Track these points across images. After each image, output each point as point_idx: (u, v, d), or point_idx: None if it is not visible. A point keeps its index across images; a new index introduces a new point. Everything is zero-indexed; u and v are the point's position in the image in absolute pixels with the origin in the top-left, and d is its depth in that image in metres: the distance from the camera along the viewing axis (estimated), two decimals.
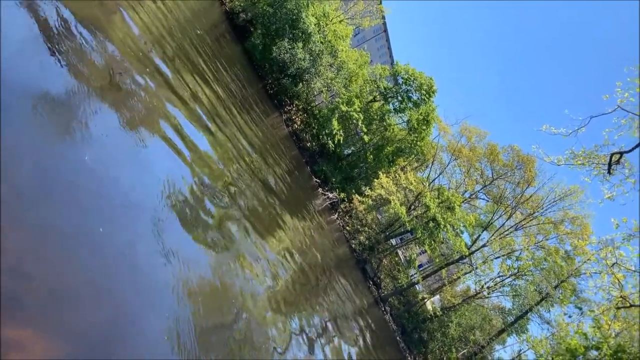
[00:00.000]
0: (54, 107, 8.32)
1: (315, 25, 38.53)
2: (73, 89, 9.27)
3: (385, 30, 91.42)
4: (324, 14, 41.53)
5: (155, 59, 16.03)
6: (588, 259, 34.73)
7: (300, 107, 47.04)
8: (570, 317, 33.55)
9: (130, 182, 9.85)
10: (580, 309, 35.59)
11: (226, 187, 16.38)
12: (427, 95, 46.78)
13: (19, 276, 5.73)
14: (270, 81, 41.42)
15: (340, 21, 46.74)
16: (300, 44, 37.34)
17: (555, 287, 39.24)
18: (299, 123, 45.54)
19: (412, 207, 41.76)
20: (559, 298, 38.77)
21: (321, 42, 39.29)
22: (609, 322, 16.86)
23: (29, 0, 9.63)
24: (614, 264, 16.79)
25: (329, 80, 41.71)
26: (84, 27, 11.31)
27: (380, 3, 53.34)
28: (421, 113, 46.31)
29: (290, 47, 36.98)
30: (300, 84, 42.17)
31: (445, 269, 47.14)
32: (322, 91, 42.87)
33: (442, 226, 35.88)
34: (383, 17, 64.96)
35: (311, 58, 38.41)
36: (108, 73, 11.36)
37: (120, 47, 13.29)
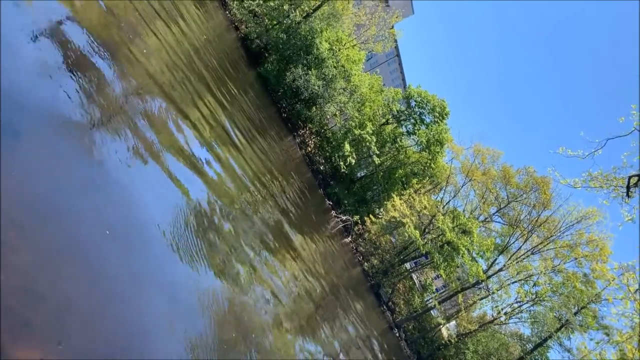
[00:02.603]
0: (62, 124, 8.46)
1: (328, 50, 39.16)
2: (83, 107, 9.54)
3: (398, 55, 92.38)
4: (337, 39, 42.24)
5: (168, 83, 16.47)
6: (609, 285, 33.68)
7: (314, 130, 47.47)
8: (597, 343, 32.29)
9: (141, 204, 9.98)
10: (608, 334, 34.12)
11: (240, 210, 16.49)
12: (440, 118, 46.95)
13: (27, 295, 5.73)
14: (284, 105, 42.04)
15: (353, 46, 47.45)
16: (314, 71, 37.87)
17: (575, 313, 37.97)
18: (312, 146, 45.91)
19: (426, 230, 41.28)
20: (579, 325, 37.45)
21: (334, 67, 39.85)
22: (633, 351, 16.28)
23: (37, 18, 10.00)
24: (637, 290, 16.33)
25: (342, 104, 42.11)
26: (95, 48, 11.69)
27: (392, 27, 53.99)
28: (434, 133, 46.29)
29: (304, 73, 37.56)
30: (314, 107, 42.67)
31: (462, 293, 46.14)
32: (335, 115, 43.27)
33: (459, 251, 35.23)
34: (395, 41, 65.80)
35: (324, 83, 38.92)
36: (118, 94, 11.70)
37: (131, 71, 13.71)
